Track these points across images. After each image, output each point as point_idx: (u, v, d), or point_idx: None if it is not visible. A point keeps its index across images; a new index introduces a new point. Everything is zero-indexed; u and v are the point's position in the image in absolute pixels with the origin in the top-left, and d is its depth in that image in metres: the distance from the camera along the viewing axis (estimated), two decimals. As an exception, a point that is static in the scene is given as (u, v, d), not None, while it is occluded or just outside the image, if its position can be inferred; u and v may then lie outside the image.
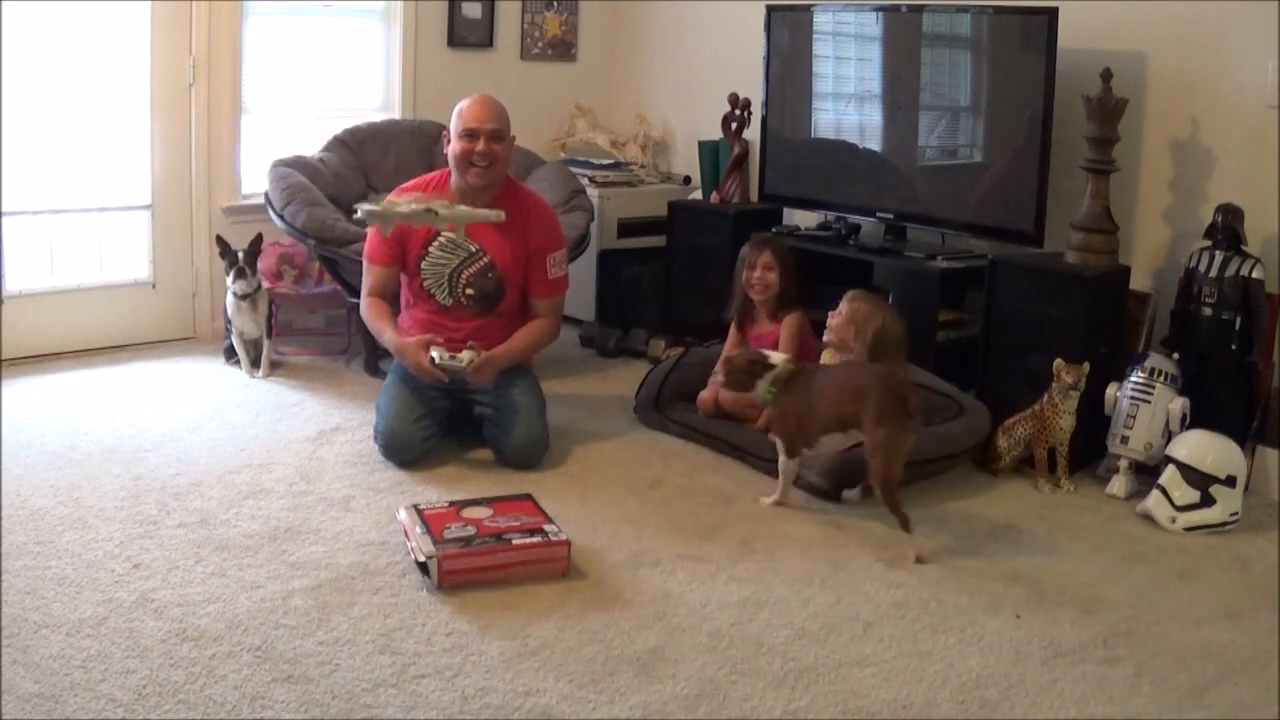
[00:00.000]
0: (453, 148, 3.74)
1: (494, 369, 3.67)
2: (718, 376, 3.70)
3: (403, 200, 3.64)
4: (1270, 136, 3.71)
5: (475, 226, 3.76)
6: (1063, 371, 3.64)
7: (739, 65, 5.11)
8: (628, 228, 5.29)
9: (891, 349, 3.67)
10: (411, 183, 3.91)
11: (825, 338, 3.80)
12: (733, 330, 4.18)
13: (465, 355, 3.61)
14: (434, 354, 3.60)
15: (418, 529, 2.99)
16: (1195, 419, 3.63)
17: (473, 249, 3.77)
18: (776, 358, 3.51)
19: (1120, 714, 2.48)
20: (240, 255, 4.42)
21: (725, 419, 3.98)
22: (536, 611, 2.78)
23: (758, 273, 4.05)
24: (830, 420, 3.36)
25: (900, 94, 4.40)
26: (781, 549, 3.20)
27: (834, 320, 3.74)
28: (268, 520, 3.22)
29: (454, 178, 3.77)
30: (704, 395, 4.04)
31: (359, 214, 3.62)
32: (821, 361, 3.90)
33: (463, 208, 3.59)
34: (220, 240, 4.48)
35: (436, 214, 3.49)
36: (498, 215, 3.58)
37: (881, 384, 3.24)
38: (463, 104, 3.77)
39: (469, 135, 3.69)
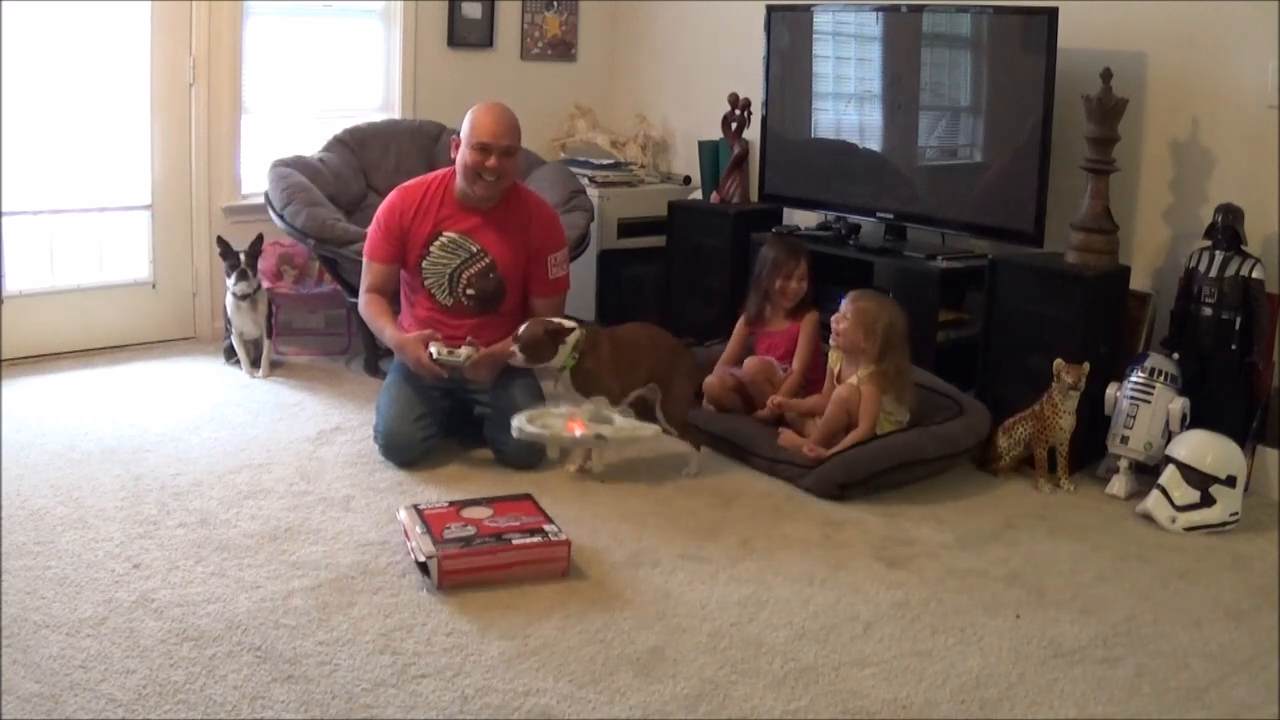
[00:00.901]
0: (462, 156, 3.71)
1: (493, 365, 3.67)
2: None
3: (560, 412, 3.47)
4: (1270, 136, 3.70)
5: (477, 227, 3.77)
6: (1063, 371, 3.64)
7: (739, 65, 5.11)
8: (628, 228, 5.29)
9: (898, 343, 3.69)
10: (413, 181, 3.90)
11: (833, 342, 3.80)
12: (740, 326, 4.18)
13: (464, 351, 3.61)
14: (433, 349, 3.60)
15: (418, 529, 2.99)
16: (1195, 419, 3.63)
17: (474, 249, 3.77)
18: (570, 324, 3.59)
19: (1120, 714, 2.47)
20: (242, 257, 4.42)
21: (730, 409, 4.00)
22: (536, 611, 2.78)
23: (794, 283, 4.04)
24: (645, 375, 3.68)
25: (900, 94, 4.40)
26: (781, 549, 3.20)
27: (841, 324, 3.73)
28: (268, 520, 3.22)
29: (460, 182, 3.76)
30: (710, 381, 4.05)
31: (516, 434, 3.40)
32: (829, 365, 3.89)
33: (622, 423, 3.46)
34: (221, 241, 4.47)
35: (606, 440, 3.43)
36: (654, 431, 3.52)
37: (683, 345, 3.86)
38: (477, 113, 3.73)
39: (482, 149, 3.66)
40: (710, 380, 4.07)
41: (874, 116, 4.53)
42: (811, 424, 3.83)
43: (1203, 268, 3.69)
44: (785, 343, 4.08)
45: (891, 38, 4.44)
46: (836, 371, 3.85)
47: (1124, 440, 3.67)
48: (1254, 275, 3.61)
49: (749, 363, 4.04)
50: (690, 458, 3.71)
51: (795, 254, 4.09)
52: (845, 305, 3.78)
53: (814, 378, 4.03)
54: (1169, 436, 3.62)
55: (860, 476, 3.55)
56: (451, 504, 3.15)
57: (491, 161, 3.66)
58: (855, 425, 3.68)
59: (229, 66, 4.82)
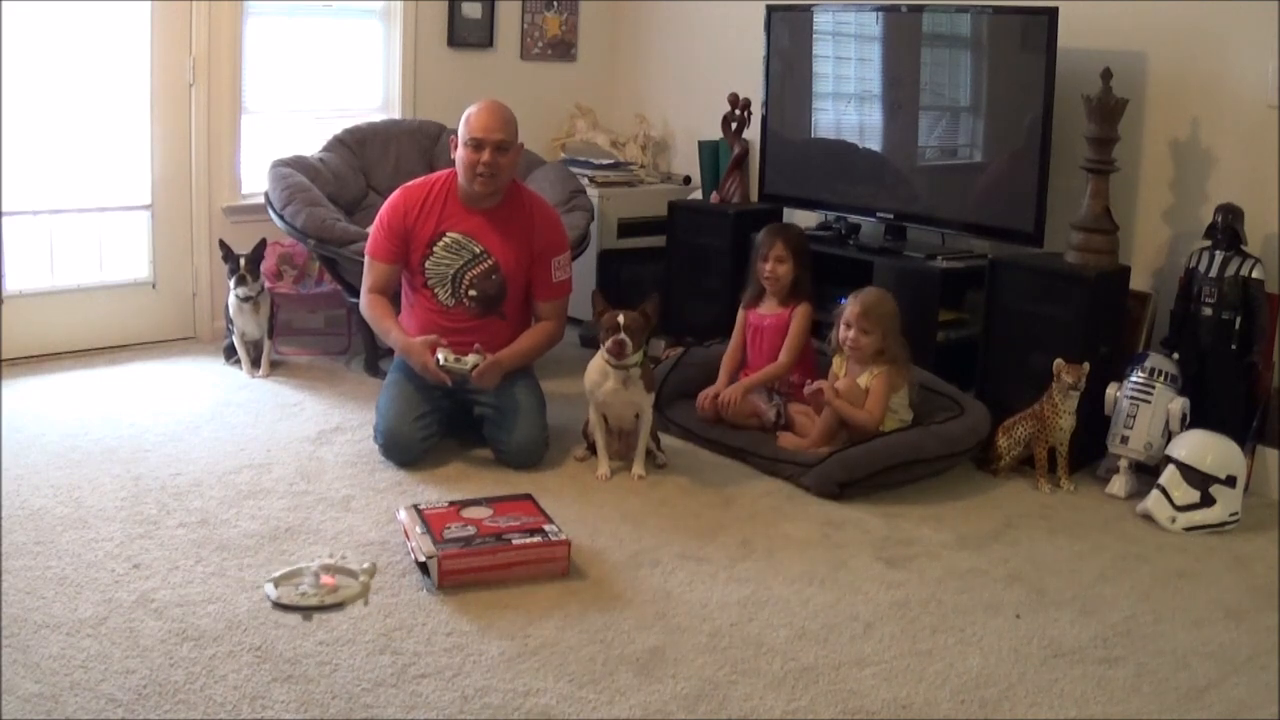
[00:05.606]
0: (459, 154, 3.72)
1: (499, 373, 3.67)
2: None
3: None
4: (1270, 136, 3.71)
5: (480, 228, 3.77)
6: (1063, 371, 3.64)
7: (739, 65, 5.11)
8: (628, 228, 5.29)
9: (898, 327, 3.71)
10: (417, 181, 3.90)
11: (851, 356, 3.74)
12: (740, 311, 4.13)
13: (471, 359, 3.61)
14: (440, 355, 3.60)
15: (418, 529, 2.99)
16: (1195, 419, 3.63)
17: (477, 250, 3.77)
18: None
19: (1120, 714, 2.48)
20: (243, 261, 4.42)
21: (722, 424, 3.98)
22: (536, 611, 2.78)
23: (769, 265, 4.00)
24: None
25: (900, 94, 4.40)
26: (781, 549, 3.20)
27: (863, 338, 3.67)
28: (268, 520, 3.22)
29: (460, 181, 3.77)
30: (705, 393, 4.02)
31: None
32: (833, 370, 3.84)
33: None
34: (223, 245, 4.47)
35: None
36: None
37: None
38: (471, 111, 3.74)
39: (475, 145, 3.67)
40: (705, 393, 4.00)
41: (874, 116, 4.53)
42: (811, 423, 3.82)
43: (1203, 268, 3.70)
44: (775, 327, 3.98)
45: (891, 38, 4.44)
46: (841, 376, 3.82)
47: (1124, 440, 3.67)
48: (1254, 275, 3.62)
49: (727, 391, 3.94)
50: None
51: (771, 235, 4.04)
52: (854, 314, 3.69)
53: (801, 371, 3.98)
54: (1169, 436, 3.62)
55: (860, 476, 3.55)
56: (451, 504, 3.15)
57: (485, 156, 3.66)
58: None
59: (229, 66, 4.82)
